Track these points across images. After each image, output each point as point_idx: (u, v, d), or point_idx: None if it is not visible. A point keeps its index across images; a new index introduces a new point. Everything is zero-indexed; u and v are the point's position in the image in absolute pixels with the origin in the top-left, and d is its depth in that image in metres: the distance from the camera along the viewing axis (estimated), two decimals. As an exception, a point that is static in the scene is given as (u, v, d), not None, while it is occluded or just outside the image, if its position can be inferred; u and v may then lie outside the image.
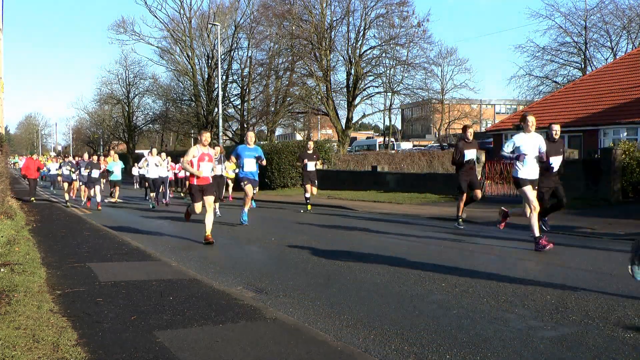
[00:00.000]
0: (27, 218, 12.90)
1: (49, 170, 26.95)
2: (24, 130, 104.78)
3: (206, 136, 9.34)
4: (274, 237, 9.69)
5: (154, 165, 17.48)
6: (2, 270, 6.12)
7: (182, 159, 9.33)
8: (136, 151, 55.09)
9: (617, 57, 33.73)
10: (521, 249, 8.12)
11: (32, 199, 19.52)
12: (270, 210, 16.07)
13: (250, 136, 11.80)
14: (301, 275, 6.45)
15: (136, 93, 55.04)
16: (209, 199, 9.13)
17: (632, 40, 37.07)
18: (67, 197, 18.73)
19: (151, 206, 17.02)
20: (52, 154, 43.29)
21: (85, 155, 20.10)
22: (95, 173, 17.33)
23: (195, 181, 9.04)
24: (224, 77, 38.66)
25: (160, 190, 18.42)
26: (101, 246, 8.57)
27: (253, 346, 3.83)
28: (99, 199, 17.18)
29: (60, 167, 20.23)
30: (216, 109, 36.16)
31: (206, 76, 40.36)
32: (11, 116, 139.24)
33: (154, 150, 18.79)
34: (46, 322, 4.28)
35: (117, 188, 19.77)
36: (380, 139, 53.57)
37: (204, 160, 9.12)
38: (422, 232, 10.13)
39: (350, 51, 32.02)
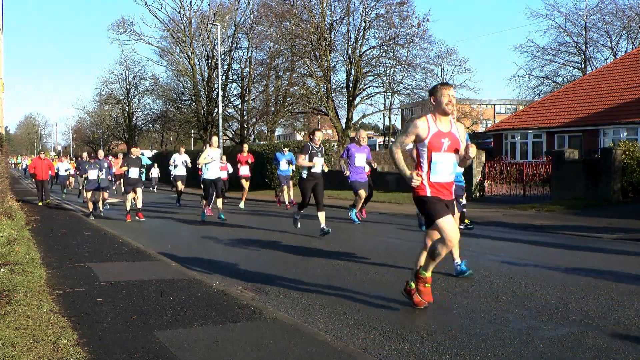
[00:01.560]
0: (27, 218, 12.90)
1: (58, 171, 24.26)
2: (24, 130, 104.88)
3: (449, 94, 4.58)
4: (274, 237, 9.69)
5: (217, 161, 12.67)
6: (2, 270, 6.13)
7: (391, 150, 4.77)
8: None
9: (617, 57, 33.76)
10: (520, 249, 8.11)
11: (47, 201, 18.54)
12: (271, 209, 16.07)
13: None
14: (301, 275, 6.44)
15: (136, 93, 55.04)
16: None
17: (632, 40, 37.14)
18: (91, 206, 14.39)
19: (202, 218, 12.81)
20: (52, 154, 43.02)
21: (101, 153, 16.00)
22: (134, 172, 13.57)
23: (428, 191, 4.62)
24: (224, 77, 38.63)
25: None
26: (101, 246, 8.57)
27: (253, 346, 3.83)
28: (140, 204, 13.55)
29: (90, 167, 14.84)
30: (216, 109, 36.10)
31: (206, 76, 40.32)
32: (11, 116, 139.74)
33: (215, 139, 12.98)
34: (46, 322, 4.27)
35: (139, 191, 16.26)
36: (380, 139, 53.54)
37: (440, 149, 4.59)
38: (422, 233, 10.11)
39: (350, 51, 32.02)
